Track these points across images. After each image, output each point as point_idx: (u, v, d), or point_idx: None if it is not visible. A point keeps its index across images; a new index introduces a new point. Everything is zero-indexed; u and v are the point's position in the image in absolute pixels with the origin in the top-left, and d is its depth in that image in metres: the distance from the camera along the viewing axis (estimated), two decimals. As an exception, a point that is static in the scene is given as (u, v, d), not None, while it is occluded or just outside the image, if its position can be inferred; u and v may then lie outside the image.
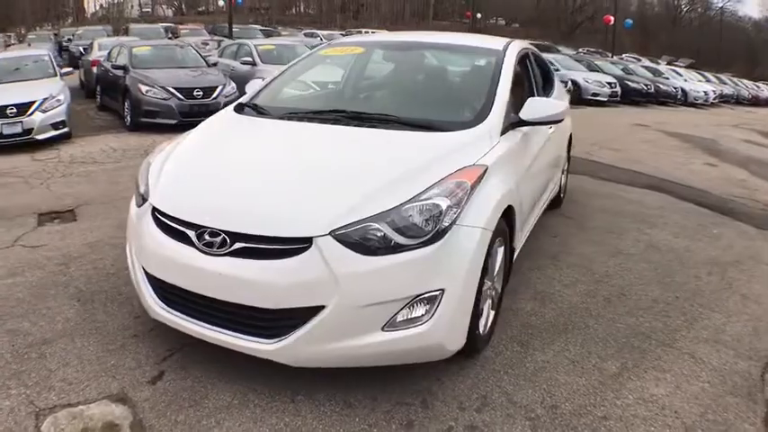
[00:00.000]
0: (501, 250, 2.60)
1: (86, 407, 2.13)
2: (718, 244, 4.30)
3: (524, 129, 2.99)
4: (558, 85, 4.75)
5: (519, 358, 2.54)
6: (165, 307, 2.30)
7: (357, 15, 55.93)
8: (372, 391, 2.24)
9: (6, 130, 6.46)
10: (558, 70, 15.36)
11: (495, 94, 2.82)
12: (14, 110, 6.50)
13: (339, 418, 2.10)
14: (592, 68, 17.19)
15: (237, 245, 2.05)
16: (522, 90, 3.70)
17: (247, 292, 2.03)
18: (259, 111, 3.04)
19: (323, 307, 1.96)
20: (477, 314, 2.28)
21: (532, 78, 3.82)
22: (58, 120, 6.94)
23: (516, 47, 3.44)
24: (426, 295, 2.03)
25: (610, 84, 15.83)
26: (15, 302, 2.90)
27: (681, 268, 3.77)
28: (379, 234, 1.99)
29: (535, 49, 4.30)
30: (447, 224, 2.07)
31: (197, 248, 2.12)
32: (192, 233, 2.15)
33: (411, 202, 2.06)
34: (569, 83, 14.49)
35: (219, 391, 2.24)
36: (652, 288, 3.42)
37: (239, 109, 3.11)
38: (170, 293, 2.28)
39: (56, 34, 24.72)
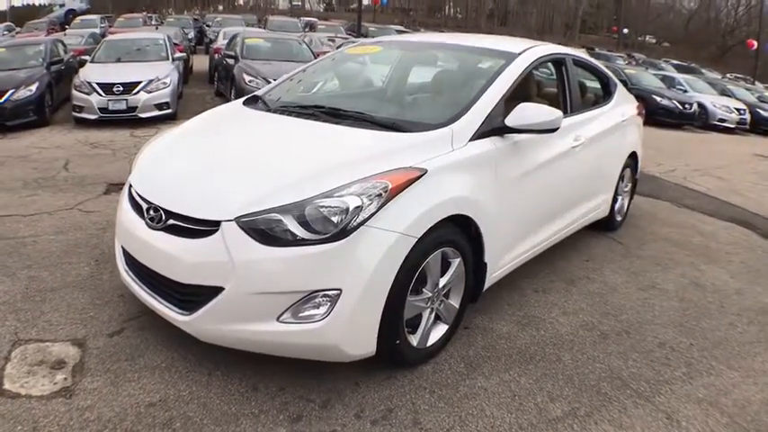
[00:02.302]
0: (457, 262, 2.45)
1: (52, 344, 2.46)
2: (780, 293, 3.61)
3: (518, 137, 2.76)
4: (620, 97, 4.29)
5: (456, 380, 2.37)
6: (128, 271, 2.53)
7: (504, 22, 55.14)
8: (285, 382, 2.26)
9: (112, 106, 7.40)
10: (686, 92, 14.60)
11: (477, 98, 2.65)
12: (120, 88, 7.42)
13: (237, 398, 2.15)
14: (724, 93, 15.93)
15: (170, 222, 2.20)
16: (539, 97, 3.44)
17: (169, 265, 2.18)
18: (264, 103, 3.16)
19: (222, 288, 2.03)
20: (396, 323, 2.18)
21: (566, 86, 3.51)
22: (163, 101, 7.73)
23: (537, 52, 3.19)
24: (323, 293, 1.99)
25: (739, 110, 14.55)
26: (47, 255, 3.37)
27: (717, 313, 3.23)
28: (281, 225, 2.00)
29: (582, 57, 3.94)
30: (355, 224, 2.00)
31: (145, 222, 2.31)
32: (145, 207, 2.35)
33: (320, 197, 2.04)
34: (695, 105, 13.51)
35: (156, 352, 2.42)
36: (667, 330, 2.97)
37: (251, 100, 3.26)
38: (129, 259, 2.50)
39: (196, 19, 25.96)
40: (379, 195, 2.07)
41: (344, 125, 2.57)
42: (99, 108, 7.35)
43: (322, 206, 2.02)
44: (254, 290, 2.00)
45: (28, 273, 3.11)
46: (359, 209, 2.03)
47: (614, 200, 4.35)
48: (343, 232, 2.00)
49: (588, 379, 2.46)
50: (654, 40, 53.49)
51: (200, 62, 14.63)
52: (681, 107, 13.05)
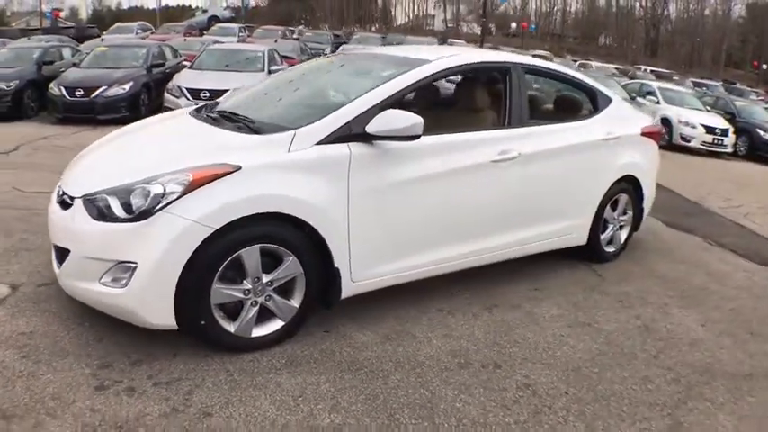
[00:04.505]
0: (289, 261, 2.53)
1: (-5, 283, 3.07)
2: (749, 349, 2.97)
3: (392, 145, 2.71)
4: (612, 114, 3.85)
5: (262, 371, 2.44)
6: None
7: (655, 54, 55.38)
8: (126, 340, 2.55)
9: (198, 110, 8.33)
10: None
11: (344, 103, 2.69)
12: (207, 94, 8.32)
13: (82, 343, 2.54)
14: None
15: (64, 197, 2.70)
16: (490, 109, 3.31)
17: (52, 228, 2.73)
18: (205, 109, 3.43)
19: (69, 251, 2.48)
20: (197, 304, 2.37)
21: (508, 97, 3.29)
22: (246, 108, 8.53)
23: (450, 61, 3.09)
24: (126, 264, 2.32)
25: None
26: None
27: (641, 364, 2.79)
28: (105, 204, 2.39)
29: (554, 69, 3.71)
30: (156, 209, 2.29)
31: (55, 197, 2.85)
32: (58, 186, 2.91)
33: (139, 183, 2.36)
34: None
35: (59, 301, 2.87)
36: (550, 372, 2.63)
37: (200, 108, 3.56)
38: None
39: (337, 35, 26.68)
40: (182, 185, 2.32)
41: (222, 128, 2.82)
42: (186, 111, 8.36)
43: (135, 191, 2.36)
44: (84, 254, 2.42)
45: (21, 235, 3.79)
46: (160, 195, 2.31)
47: (599, 228, 3.91)
48: (145, 214, 2.31)
49: (395, 402, 2.33)
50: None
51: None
52: (784, 143, 11.96)
